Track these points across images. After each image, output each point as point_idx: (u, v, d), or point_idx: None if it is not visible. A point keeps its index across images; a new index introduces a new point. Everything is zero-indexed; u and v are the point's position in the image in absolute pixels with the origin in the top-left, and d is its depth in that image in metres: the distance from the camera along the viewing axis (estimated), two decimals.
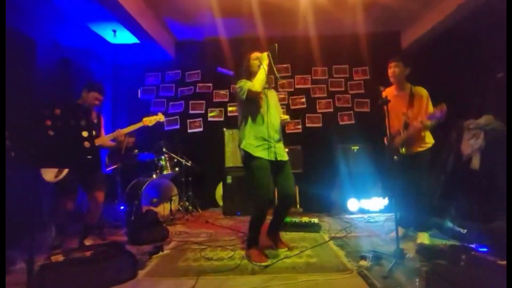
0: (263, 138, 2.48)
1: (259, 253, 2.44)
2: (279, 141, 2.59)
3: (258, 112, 2.52)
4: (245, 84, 2.44)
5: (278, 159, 2.52)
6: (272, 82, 2.79)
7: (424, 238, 2.66)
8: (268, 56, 2.47)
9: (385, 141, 2.90)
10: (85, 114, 2.81)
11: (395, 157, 2.77)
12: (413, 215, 2.81)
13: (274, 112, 2.59)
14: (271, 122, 2.52)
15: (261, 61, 2.49)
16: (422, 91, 2.75)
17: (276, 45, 2.47)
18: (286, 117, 2.68)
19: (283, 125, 2.74)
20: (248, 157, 2.48)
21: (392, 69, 2.79)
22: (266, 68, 2.44)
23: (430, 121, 2.54)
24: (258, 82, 2.40)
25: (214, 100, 5.23)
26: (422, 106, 2.69)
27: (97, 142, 2.93)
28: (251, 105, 2.53)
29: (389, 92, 2.86)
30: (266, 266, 2.29)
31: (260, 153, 2.46)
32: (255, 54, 2.59)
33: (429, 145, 2.73)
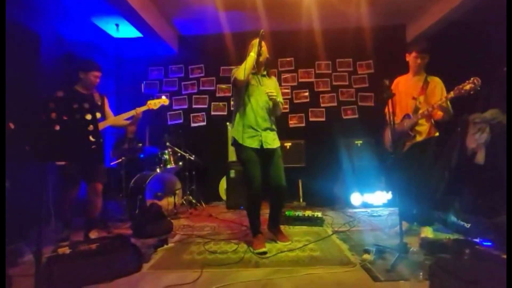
0: (249, 126, 2.51)
1: (258, 241, 2.49)
2: (267, 129, 2.58)
3: (246, 100, 2.54)
4: (235, 72, 2.48)
5: (264, 147, 2.52)
6: (269, 68, 2.74)
7: (427, 232, 2.67)
8: (260, 43, 2.47)
9: (387, 136, 2.90)
10: (89, 101, 2.79)
11: (395, 149, 2.74)
12: (416, 209, 2.81)
13: (265, 100, 2.57)
14: (259, 110, 2.53)
15: (251, 48, 2.51)
16: (437, 80, 2.70)
17: (262, 30, 2.44)
18: (272, 91, 2.53)
19: (275, 105, 2.62)
20: (236, 146, 2.55)
21: (419, 60, 2.69)
22: (254, 55, 2.45)
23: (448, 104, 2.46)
24: (241, 70, 2.42)
25: (218, 95, 5.22)
26: (434, 93, 2.64)
27: (108, 123, 2.95)
28: (240, 93, 2.56)
29: (403, 78, 2.87)
30: (262, 253, 2.35)
31: (245, 140, 2.50)
32: (252, 42, 2.59)
33: (434, 135, 2.70)
